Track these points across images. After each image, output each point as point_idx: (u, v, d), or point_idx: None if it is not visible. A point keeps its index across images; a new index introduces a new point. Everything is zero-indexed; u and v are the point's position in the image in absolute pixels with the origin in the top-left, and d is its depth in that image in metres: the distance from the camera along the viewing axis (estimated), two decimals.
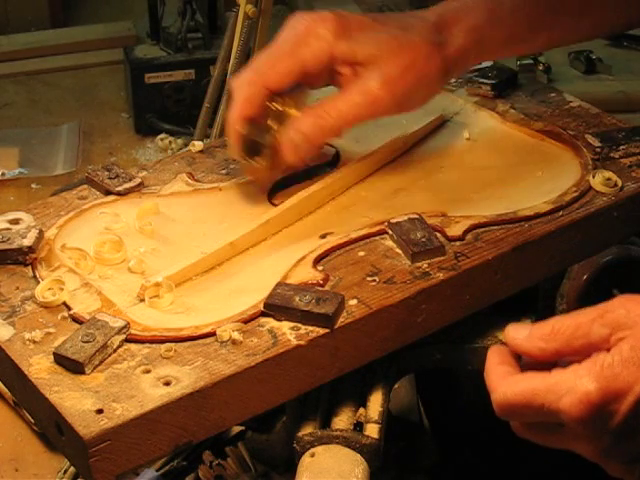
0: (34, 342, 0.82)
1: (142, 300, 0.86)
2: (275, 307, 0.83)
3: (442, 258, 0.90)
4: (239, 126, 0.93)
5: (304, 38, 0.92)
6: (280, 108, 0.93)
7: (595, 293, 0.91)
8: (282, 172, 0.97)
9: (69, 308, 0.85)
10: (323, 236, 0.93)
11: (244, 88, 0.92)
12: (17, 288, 0.88)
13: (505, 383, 0.74)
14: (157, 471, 1.24)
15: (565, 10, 1.01)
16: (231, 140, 0.94)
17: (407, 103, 0.95)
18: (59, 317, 0.84)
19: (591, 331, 0.73)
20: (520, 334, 0.77)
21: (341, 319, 0.83)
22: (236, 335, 0.81)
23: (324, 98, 0.94)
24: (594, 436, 0.72)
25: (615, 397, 0.70)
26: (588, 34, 1.06)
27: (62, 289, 0.86)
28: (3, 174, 2.01)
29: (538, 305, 1.08)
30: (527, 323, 0.78)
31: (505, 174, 1.02)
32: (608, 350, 0.72)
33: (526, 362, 0.77)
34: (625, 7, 1.05)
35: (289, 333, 0.82)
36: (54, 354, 0.80)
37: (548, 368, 0.74)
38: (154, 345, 0.81)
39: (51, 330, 0.83)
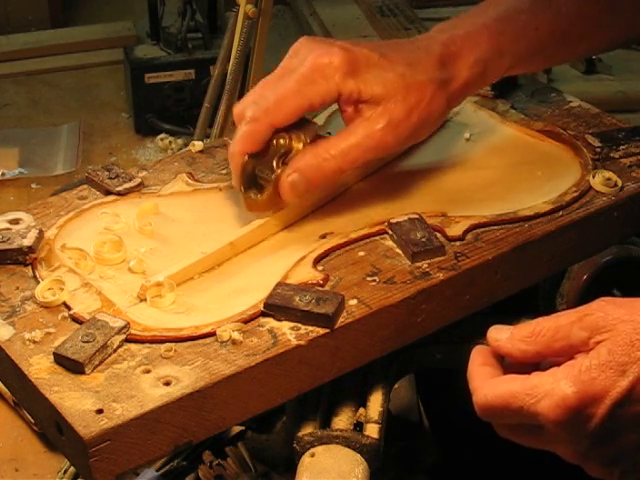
0: (34, 342, 0.82)
1: (142, 300, 0.86)
2: (275, 307, 0.83)
3: (442, 258, 0.90)
4: (241, 160, 0.92)
5: (311, 76, 0.90)
6: (285, 144, 0.92)
7: (595, 293, 0.91)
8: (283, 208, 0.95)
9: (69, 308, 0.85)
10: (323, 236, 0.93)
11: (249, 125, 0.91)
12: (17, 288, 0.88)
13: (486, 385, 0.75)
14: (157, 471, 1.24)
15: (568, 35, 1.02)
16: (233, 172, 0.94)
17: (410, 141, 0.96)
18: (59, 317, 0.84)
19: (571, 334, 0.74)
20: (502, 336, 0.77)
21: (341, 319, 0.83)
22: (236, 335, 0.81)
23: (328, 137, 0.93)
24: (572, 439, 0.72)
25: (592, 401, 0.70)
26: (589, 53, 1.08)
27: (62, 289, 0.86)
28: (3, 174, 2.01)
29: (538, 305, 1.08)
30: (509, 325, 0.78)
31: (505, 174, 1.02)
32: (588, 353, 0.72)
33: (509, 363, 0.78)
34: (619, 30, 1.06)
35: (289, 333, 0.82)
36: (54, 354, 0.80)
37: (530, 369, 0.75)
38: (154, 345, 0.81)
39: (51, 330, 0.83)
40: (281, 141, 0.92)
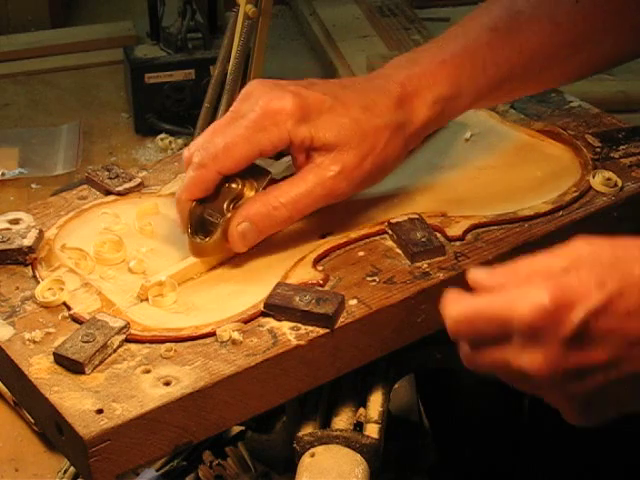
0: (34, 342, 0.82)
1: (142, 300, 0.86)
2: (275, 307, 0.83)
3: (442, 258, 0.90)
4: (188, 206, 0.90)
5: (262, 122, 0.88)
6: (237, 188, 0.90)
7: None
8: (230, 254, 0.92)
9: (69, 308, 0.85)
10: (323, 236, 0.93)
11: (196, 171, 0.89)
12: (17, 288, 0.88)
13: (458, 301, 0.72)
14: (157, 471, 1.24)
15: (529, 69, 0.99)
16: (179, 218, 0.91)
17: (365, 186, 0.93)
18: (59, 317, 0.85)
19: (551, 264, 0.71)
20: (481, 273, 0.74)
21: (341, 319, 0.83)
22: (236, 335, 0.81)
23: (279, 184, 0.90)
24: (543, 345, 0.70)
25: (568, 305, 0.68)
26: (553, 85, 1.08)
27: (62, 289, 0.86)
28: (3, 174, 2.01)
29: None
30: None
31: (505, 174, 1.02)
32: None
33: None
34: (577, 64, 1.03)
35: (289, 333, 0.82)
36: (54, 354, 0.80)
37: None
38: (154, 345, 0.81)
39: (51, 330, 0.83)
40: (233, 185, 0.90)
